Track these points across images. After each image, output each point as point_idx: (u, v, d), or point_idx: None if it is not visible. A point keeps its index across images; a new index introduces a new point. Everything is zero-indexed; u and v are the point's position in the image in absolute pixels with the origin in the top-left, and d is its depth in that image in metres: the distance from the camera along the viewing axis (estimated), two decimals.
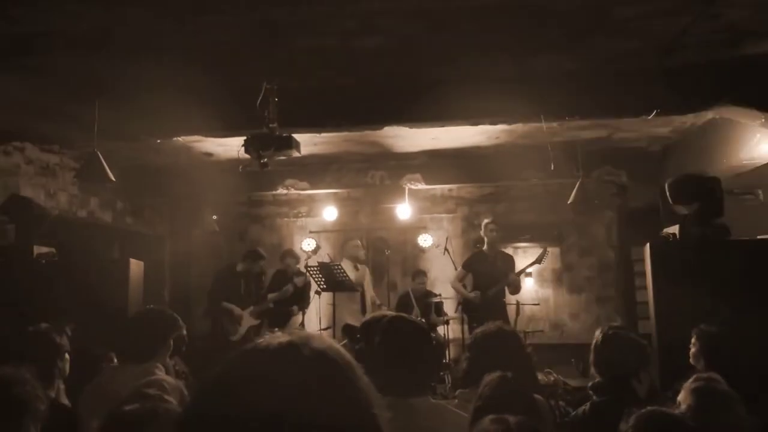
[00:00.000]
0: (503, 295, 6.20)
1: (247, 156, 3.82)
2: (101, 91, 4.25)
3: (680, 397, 2.22)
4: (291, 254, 6.95)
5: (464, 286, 6.32)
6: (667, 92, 4.30)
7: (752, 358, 2.79)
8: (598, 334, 3.17)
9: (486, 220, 6.42)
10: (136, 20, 3.52)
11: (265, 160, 3.48)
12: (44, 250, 4.73)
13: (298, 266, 6.81)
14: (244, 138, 3.62)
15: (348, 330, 5.91)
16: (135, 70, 4.24)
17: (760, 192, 5.52)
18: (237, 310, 6.20)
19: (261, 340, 0.73)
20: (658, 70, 4.28)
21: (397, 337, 2.23)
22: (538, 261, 6.35)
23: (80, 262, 4.71)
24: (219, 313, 6.24)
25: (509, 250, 7.79)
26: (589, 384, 2.19)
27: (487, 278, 6.12)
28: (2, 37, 3.55)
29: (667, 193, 4.04)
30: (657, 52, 4.09)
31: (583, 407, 2.18)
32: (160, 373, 2.52)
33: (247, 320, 6.25)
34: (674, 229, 4.07)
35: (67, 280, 4.34)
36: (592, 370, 2.28)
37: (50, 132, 4.69)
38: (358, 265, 6.77)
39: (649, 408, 1.56)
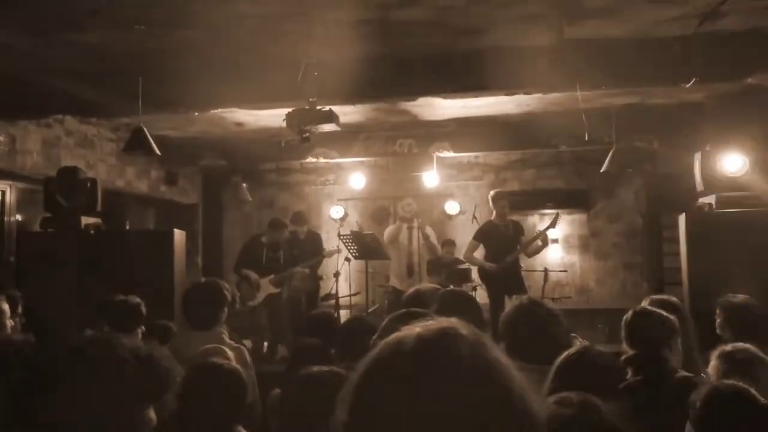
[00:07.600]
0: (519, 262, 6.24)
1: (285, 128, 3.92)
2: (143, 64, 4.33)
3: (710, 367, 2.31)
4: (299, 219, 6.92)
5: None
6: (707, 60, 4.25)
7: None
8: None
9: (492, 192, 6.36)
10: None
11: (307, 134, 3.55)
12: (91, 221, 4.90)
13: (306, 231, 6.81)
14: (286, 112, 3.68)
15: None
16: (174, 44, 4.30)
17: None
18: (253, 275, 6.32)
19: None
20: (699, 37, 4.22)
21: (454, 307, 2.36)
22: (552, 225, 6.35)
23: (127, 233, 4.89)
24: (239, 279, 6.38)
25: (536, 217, 7.84)
26: (622, 357, 2.32)
27: (500, 247, 6.13)
28: (50, 14, 3.63)
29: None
30: (698, 19, 4.03)
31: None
32: (226, 338, 2.73)
33: (266, 287, 6.37)
34: (710, 198, 4.09)
35: (115, 251, 4.53)
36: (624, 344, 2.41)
37: (92, 103, 4.80)
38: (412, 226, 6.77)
39: (722, 383, 1.65)
